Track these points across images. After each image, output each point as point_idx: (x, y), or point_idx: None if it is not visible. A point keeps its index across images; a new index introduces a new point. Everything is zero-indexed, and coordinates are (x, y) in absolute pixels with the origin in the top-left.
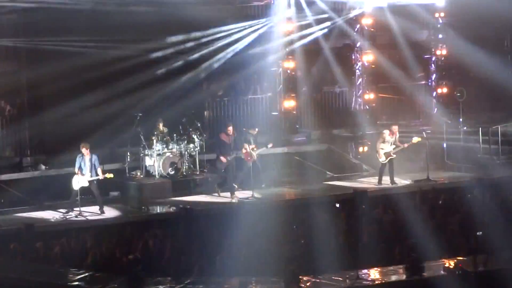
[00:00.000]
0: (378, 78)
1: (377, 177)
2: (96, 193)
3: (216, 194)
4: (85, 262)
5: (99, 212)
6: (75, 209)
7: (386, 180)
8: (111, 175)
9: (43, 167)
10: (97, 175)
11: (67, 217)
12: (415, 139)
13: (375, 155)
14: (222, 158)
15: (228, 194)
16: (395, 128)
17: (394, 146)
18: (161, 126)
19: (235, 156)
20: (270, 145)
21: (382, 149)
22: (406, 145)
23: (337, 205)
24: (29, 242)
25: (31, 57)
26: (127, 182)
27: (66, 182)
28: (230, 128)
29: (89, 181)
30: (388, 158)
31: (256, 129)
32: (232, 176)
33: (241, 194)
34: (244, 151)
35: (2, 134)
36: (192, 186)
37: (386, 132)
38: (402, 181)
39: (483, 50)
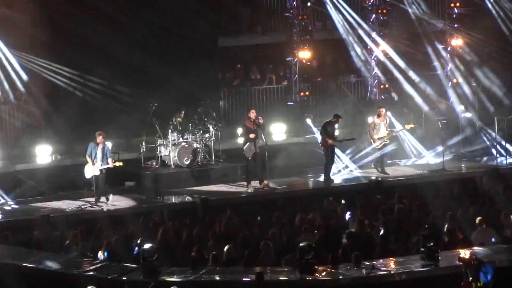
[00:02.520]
0: (393, 68)
1: (391, 167)
2: (100, 183)
3: (250, 188)
4: (102, 251)
5: (93, 201)
6: (91, 199)
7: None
8: (121, 163)
9: (58, 157)
10: (107, 164)
11: (82, 207)
12: (408, 126)
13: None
14: (251, 135)
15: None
16: (382, 110)
17: (387, 131)
18: (181, 116)
19: (261, 146)
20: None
21: (376, 134)
22: (395, 133)
23: (343, 202)
24: (45, 232)
25: (48, 46)
26: (143, 172)
27: (82, 172)
28: (252, 113)
29: (100, 170)
30: (382, 143)
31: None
32: (254, 167)
33: (257, 184)
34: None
35: (18, 124)
36: (212, 176)
37: (374, 117)
38: (417, 171)
39: (499, 40)
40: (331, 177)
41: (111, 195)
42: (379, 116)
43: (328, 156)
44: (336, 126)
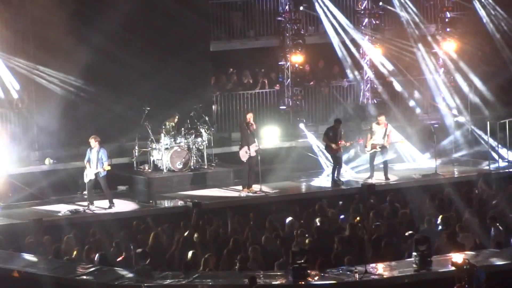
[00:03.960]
0: (386, 72)
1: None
2: (103, 187)
3: (246, 192)
4: (92, 256)
5: (107, 206)
6: (83, 203)
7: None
8: (108, 167)
9: (50, 161)
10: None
11: (75, 211)
12: (400, 139)
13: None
14: (244, 148)
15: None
16: (381, 118)
17: (385, 139)
18: (175, 120)
19: (256, 149)
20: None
21: (371, 139)
22: (386, 144)
23: (340, 203)
24: (37, 236)
25: (39, 52)
26: (135, 176)
27: (74, 176)
28: (248, 117)
29: (95, 174)
30: (372, 150)
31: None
32: (249, 171)
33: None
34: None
35: (11, 129)
36: (205, 180)
37: (374, 124)
38: (409, 175)
39: (492, 43)
40: (340, 179)
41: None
42: (378, 123)
43: (336, 161)
44: (338, 130)
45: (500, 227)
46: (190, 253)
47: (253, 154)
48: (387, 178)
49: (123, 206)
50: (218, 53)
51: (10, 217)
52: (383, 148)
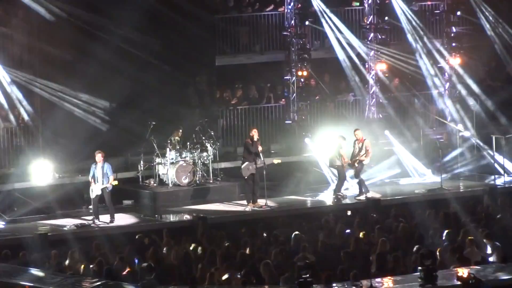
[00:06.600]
0: (391, 86)
1: (389, 186)
2: (107, 202)
3: (249, 207)
4: (96, 270)
5: (108, 221)
6: (89, 217)
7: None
8: (116, 182)
9: (56, 175)
10: (108, 182)
11: (80, 225)
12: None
13: None
14: (246, 164)
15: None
16: (357, 133)
17: (363, 152)
18: (180, 134)
19: (261, 165)
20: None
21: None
22: (364, 158)
23: (349, 213)
24: (42, 251)
25: (44, 65)
26: (141, 191)
27: (79, 190)
28: (253, 133)
29: (102, 189)
30: (353, 165)
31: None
32: (251, 186)
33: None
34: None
35: (16, 142)
36: (210, 195)
37: (354, 139)
38: (414, 190)
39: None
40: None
41: (114, 217)
42: (355, 139)
43: (344, 175)
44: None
45: (497, 243)
46: (195, 267)
47: (254, 170)
48: (361, 194)
49: (128, 220)
50: (223, 67)
51: (16, 232)
52: (360, 163)
